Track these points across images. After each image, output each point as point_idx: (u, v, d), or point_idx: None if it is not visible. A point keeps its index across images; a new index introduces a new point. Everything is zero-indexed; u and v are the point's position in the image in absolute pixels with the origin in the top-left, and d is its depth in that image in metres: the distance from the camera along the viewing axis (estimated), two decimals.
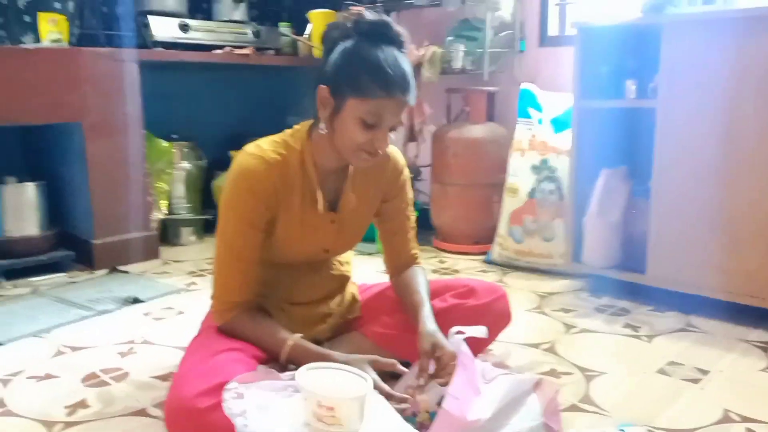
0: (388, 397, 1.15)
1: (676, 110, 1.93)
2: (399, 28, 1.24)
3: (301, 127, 1.35)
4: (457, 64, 2.72)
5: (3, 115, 2.24)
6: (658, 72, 1.96)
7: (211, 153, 3.08)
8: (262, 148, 1.30)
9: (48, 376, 1.56)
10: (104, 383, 1.52)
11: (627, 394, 1.47)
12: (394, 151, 1.45)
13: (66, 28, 2.49)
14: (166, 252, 2.74)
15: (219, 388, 1.10)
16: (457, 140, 2.71)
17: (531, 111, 2.56)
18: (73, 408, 1.40)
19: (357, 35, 1.22)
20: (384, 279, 1.57)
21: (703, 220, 1.91)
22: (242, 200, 1.28)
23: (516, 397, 1.20)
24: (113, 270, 2.47)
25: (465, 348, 1.20)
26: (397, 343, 1.43)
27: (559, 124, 2.50)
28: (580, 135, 2.18)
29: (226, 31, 3.03)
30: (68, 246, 2.53)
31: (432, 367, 1.24)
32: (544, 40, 2.80)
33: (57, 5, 2.69)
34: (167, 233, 2.90)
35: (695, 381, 1.53)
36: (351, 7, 2.83)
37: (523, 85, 2.62)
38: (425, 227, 2.82)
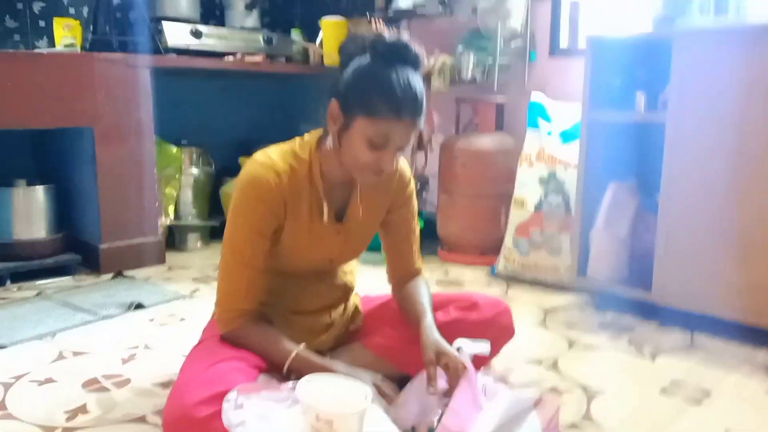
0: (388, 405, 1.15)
1: (686, 122, 1.92)
2: (417, 49, 1.23)
3: (310, 137, 1.35)
4: (467, 74, 2.73)
5: (16, 119, 2.27)
6: (668, 84, 1.95)
7: (221, 159, 3.09)
8: (271, 157, 1.30)
9: (49, 381, 1.57)
10: (105, 389, 1.53)
11: (628, 414, 1.45)
12: (401, 162, 1.45)
13: (80, 33, 2.51)
14: (171, 258, 2.75)
15: (219, 396, 1.10)
16: (465, 150, 2.71)
17: (540, 122, 2.56)
18: (73, 413, 1.40)
19: (373, 53, 1.22)
20: (388, 290, 1.56)
21: (712, 236, 1.89)
22: (251, 208, 1.29)
23: (516, 413, 1.19)
24: (119, 275, 2.48)
25: (468, 363, 1.20)
26: (398, 356, 1.42)
27: (567, 136, 2.49)
28: (588, 147, 2.17)
29: (238, 38, 3.05)
30: (75, 250, 2.55)
31: (443, 381, 1.23)
32: (555, 51, 2.80)
33: (71, 10, 2.73)
34: (174, 239, 2.91)
35: (698, 402, 1.51)
36: (371, 21, 2.86)
37: (533, 96, 2.62)
38: (431, 237, 2.81)
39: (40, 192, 2.46)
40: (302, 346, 1.29)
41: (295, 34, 3.25)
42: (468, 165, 2.69)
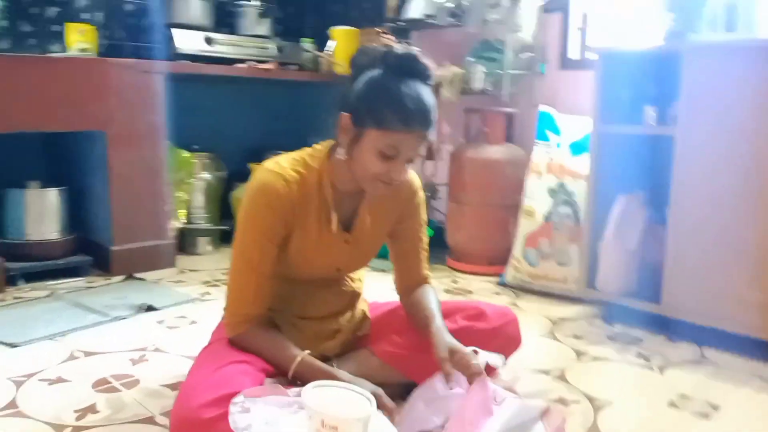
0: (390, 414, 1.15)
1: (696, 136, 1.92)
2: (426, 62, 1.25)
3: (321, 147, 1.37)
4: (477, 84, 2.73)
5: (30, 122, 2.30)
6: (678, 98, 1.95)
7: (231, 165, 3.12)
8: (282, 165, 1.32)
9: (60, 380, 1.59)
10: (114, 389, 1.54)
11: (635, 426, 1.45)
12: (410, 173, 1.46)
13: (94, 38, 2.55)
14: (182, 261, 2.77)
15: (225, 399, 1.11)
16: (474, 160, 2.72)
17: (549, 134, 2.56)
18: (83, 413, 1.42)
19: (384, 66, 1.24)
20: (396, 297, 1.57)
21: (721, 249, 1.88)
22: (260, 215, 1.30)
23: (522, 423, 1.19)
24: (130, 277, 2.50)
25: (481, 368, 1.21)
26: (405, 363, 1.43)
27: (577, 148, 2.50)
28: (598, 160, 2.17)
29: (249, 46, 3.08)
30: (87, 251, 2.57)
31: (463, 379, 1.23)
32: (565, 63, 2.81)
33: (86, 16, 2.77)
34: (184, 242, 2.93)
35: (706, 416, 1.51)
36: (382, 33, 2.88)
37: (542, 108, 2.63)
38: (440, 246, 2.82)
39: (53, 194, 2.49)
40: (306, 352, 1.30)
41: (306, 43, 3.28)
42: (477, 174, 2.70)
